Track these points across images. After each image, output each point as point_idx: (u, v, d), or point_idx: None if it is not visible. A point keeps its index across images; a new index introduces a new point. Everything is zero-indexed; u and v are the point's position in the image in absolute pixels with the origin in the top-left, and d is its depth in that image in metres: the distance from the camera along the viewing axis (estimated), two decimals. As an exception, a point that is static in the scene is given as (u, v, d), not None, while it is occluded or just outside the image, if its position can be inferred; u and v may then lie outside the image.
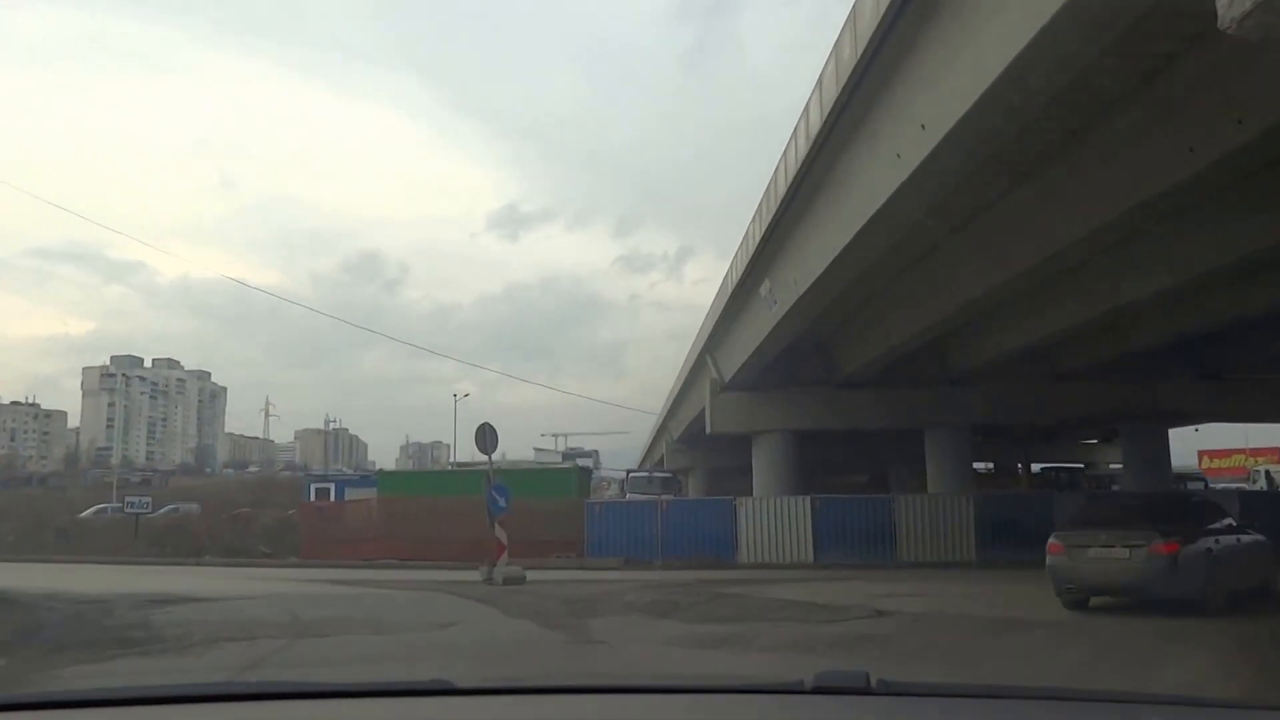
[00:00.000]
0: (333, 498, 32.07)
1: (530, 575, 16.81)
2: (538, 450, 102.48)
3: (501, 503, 15.96)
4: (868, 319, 22.25)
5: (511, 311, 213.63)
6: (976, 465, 46.16)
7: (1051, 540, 12.52)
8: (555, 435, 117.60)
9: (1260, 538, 13.10)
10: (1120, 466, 49.01)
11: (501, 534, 15.98)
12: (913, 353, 22.44)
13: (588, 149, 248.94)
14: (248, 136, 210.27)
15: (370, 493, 28.93)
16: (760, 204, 18.01)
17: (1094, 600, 12.45)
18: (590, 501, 24.57)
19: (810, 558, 22.87)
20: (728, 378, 26.16)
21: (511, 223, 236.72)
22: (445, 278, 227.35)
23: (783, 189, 15.78)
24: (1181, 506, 13.97)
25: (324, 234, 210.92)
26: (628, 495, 33.81)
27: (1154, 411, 25.86)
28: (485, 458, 17.32)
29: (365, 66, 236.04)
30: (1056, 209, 13.90)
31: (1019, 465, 38.44)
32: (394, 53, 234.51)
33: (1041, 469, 40.21)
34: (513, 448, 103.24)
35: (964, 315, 19.12)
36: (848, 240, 14.35)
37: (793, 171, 15.07)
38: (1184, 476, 34.11)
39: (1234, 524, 13.01)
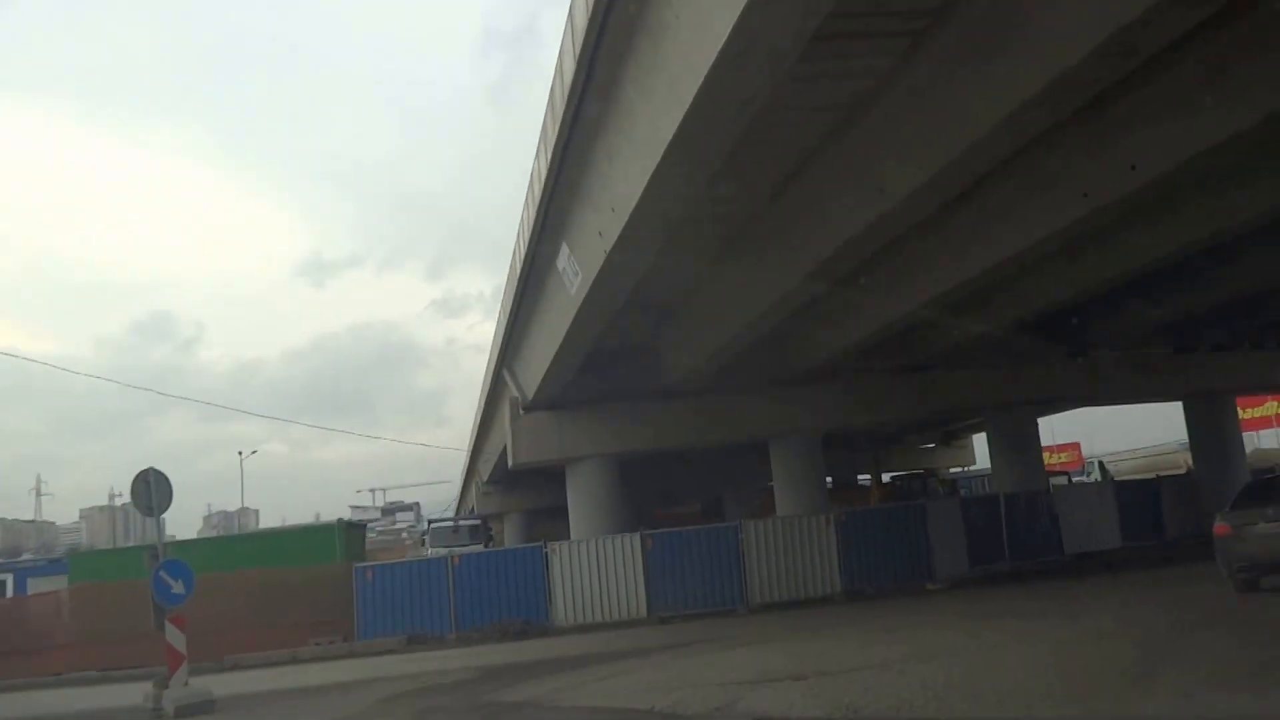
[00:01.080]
0: (10, 591, 25.52)
1: (252, 682, 11.85)
2: (354, 508, 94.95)
3: (176, 589, 10.87)
4: (697, 311, 18.38)
5: (323, 363, 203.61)
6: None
7: (1217, 523, 12.94)
8: (373, 490, 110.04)
9: None
10: (961, 470, 48.72)
11: (176, 637, 10.82)
12: (749, 350, 18.68)
13: (398, 191, 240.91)
14: (9, 191, 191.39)
15: (61, 581, 22.74)
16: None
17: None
18: (360, 567, 19.52)
19: (643, 610, 18.91)
20: (530, 394, 21.74)
21: (317, 270, 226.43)
22: (247, 332, 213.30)
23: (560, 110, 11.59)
24: None
25: (109, 294, 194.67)
26: (429, 550, 29.11)
27: (1022, 398, 23.19)
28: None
29: (150, 115, 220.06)
30: (886, 156, 11.32)
31: (869, 476, 35.55)
32: (181, 99, 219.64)
33: (891, 478, 37.62)
34: (329, 508, 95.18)
35: (804, 295, 15.54)
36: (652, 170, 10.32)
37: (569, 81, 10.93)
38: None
39: None
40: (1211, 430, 25.65)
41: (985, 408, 23.71)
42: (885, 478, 38.32)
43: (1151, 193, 12.12)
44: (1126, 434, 72.76)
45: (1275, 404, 54.43)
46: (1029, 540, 21.99)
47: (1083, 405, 29.08)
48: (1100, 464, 46.13)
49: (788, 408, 21.71)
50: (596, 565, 19.14)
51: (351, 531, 27.61)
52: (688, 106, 8.98)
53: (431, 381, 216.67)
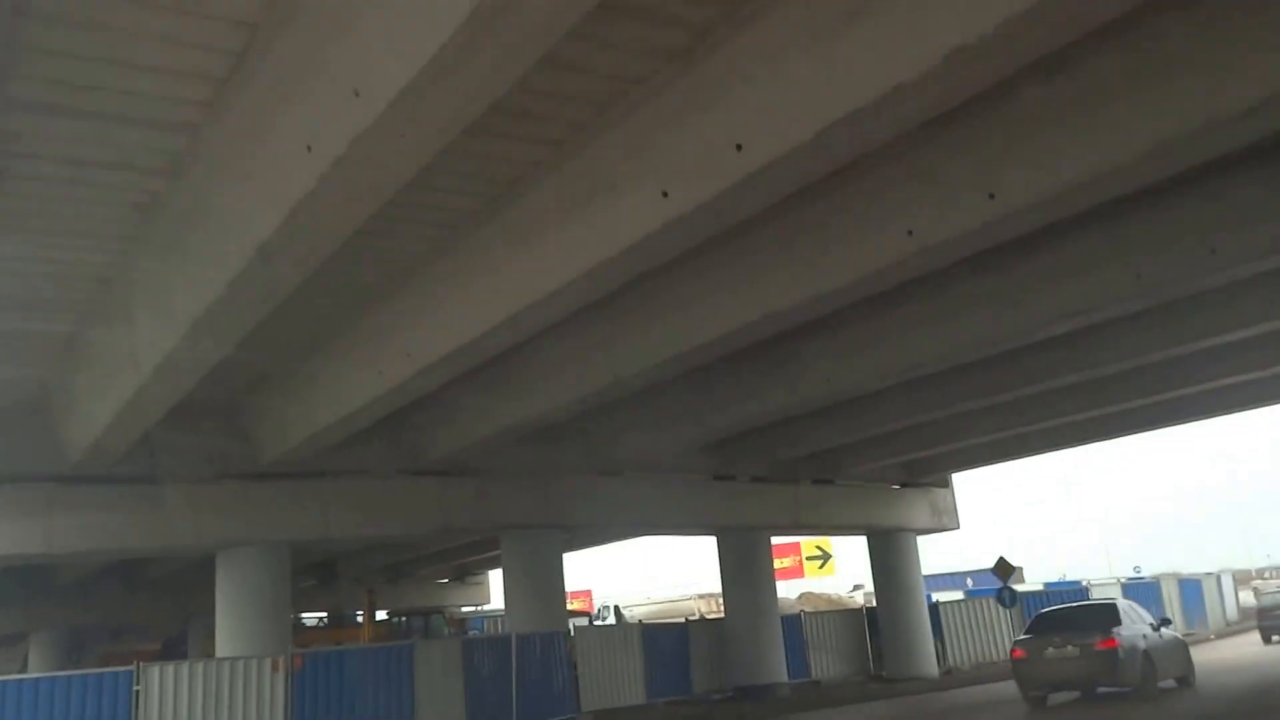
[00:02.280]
0: None
1: None
2: None
3: None
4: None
5: None
6: (307, 616, 38.25)
7: (1014, 647, 16.74)
8: None
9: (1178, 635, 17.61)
10: (475, 608, 45.17)
11: None
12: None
13: None
14: None
15: None
16: None
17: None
18: None
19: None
20: None
21: None
22: None
23: None
24: (1110, 611, 16.63)
25: None
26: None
27: (547, 516, 19.83)
28: None
29: None
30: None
31: (363, 612, 30.35)
32: None
33: (389, 615, 32.70)
34: None
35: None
36: None
37: None
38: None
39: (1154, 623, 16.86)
40: (745, 568, 24.01)
41: (501, 526, 19.97)
42: (383, 614, 33.30)
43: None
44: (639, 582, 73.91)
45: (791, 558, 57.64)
46: (542, 692, 18.34)
47: (614, 532, 26.72)
48: (616, 609, 44.64)
49: (242, 509, 16.47)
50: None
51: None
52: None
53: None
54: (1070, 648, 15.45)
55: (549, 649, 18.94)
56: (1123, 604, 17.67)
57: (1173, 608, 32.43)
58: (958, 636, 27.55)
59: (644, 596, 55.28)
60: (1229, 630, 35.51)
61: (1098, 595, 29.25)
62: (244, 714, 13.54)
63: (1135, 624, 16.52)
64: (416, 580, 39.87)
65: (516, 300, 10.76)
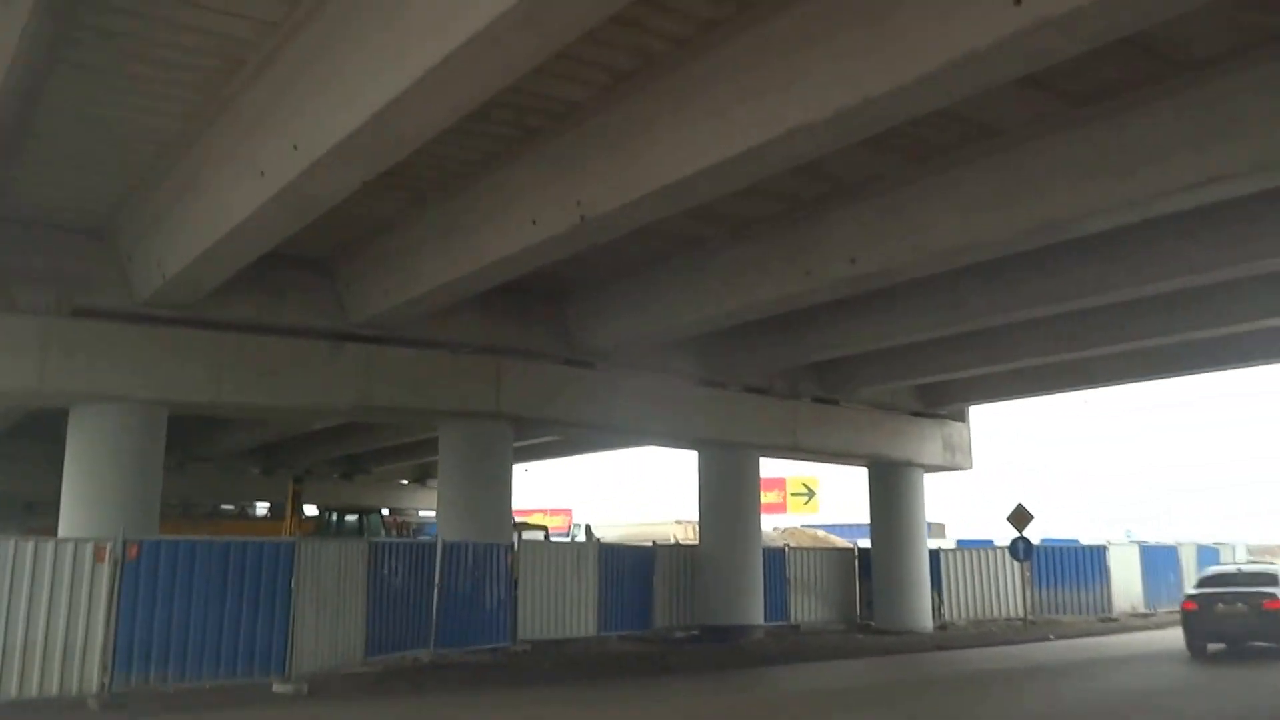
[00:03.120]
0: None
1: None
2: None
3: None
4: None
5: None
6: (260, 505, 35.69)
7: (1186, 599, 18.43)
8: None
9: None
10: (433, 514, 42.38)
11: None
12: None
13: None
14: None
15: None
16: None
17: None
18: None
19: None
20: None
21: None
22: None
23: None
24: (1272, 577, 18.06)
25: None
26: None
27: (494, 405, 16.83)
28: None
29: None
30: None
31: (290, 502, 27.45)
32: None
33: (324, 510, 29.88)
34: None
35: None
36: None
37: None
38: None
39: None
40: (728, 490, 21.14)
41: (437, 412, 16.95)
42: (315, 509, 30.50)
43: None
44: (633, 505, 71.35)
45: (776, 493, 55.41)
46: (470, 615, 15.55)
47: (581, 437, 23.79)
48: (588, 528, 41.97)
49: (105, 354, 13.43)
50: None
51: None
52: None
53: None
54: (1240, 605, 17.33)
55: (484, 563, 16.06)
56: (1276, 571, 19.08)
57: (1188, 574, 29.81)
58: (958, 589, 24.87)
59: (627, 519, 52.92)
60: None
61: (1115, 554, 26.62)
62: (53, 611, 10.57)
63: None
64: (374, 478, 37.19)
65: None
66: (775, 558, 22.48)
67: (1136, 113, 9.58)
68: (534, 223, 11.65)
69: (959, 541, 34.08)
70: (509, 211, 11.93)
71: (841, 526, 44.87)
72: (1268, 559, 46.63)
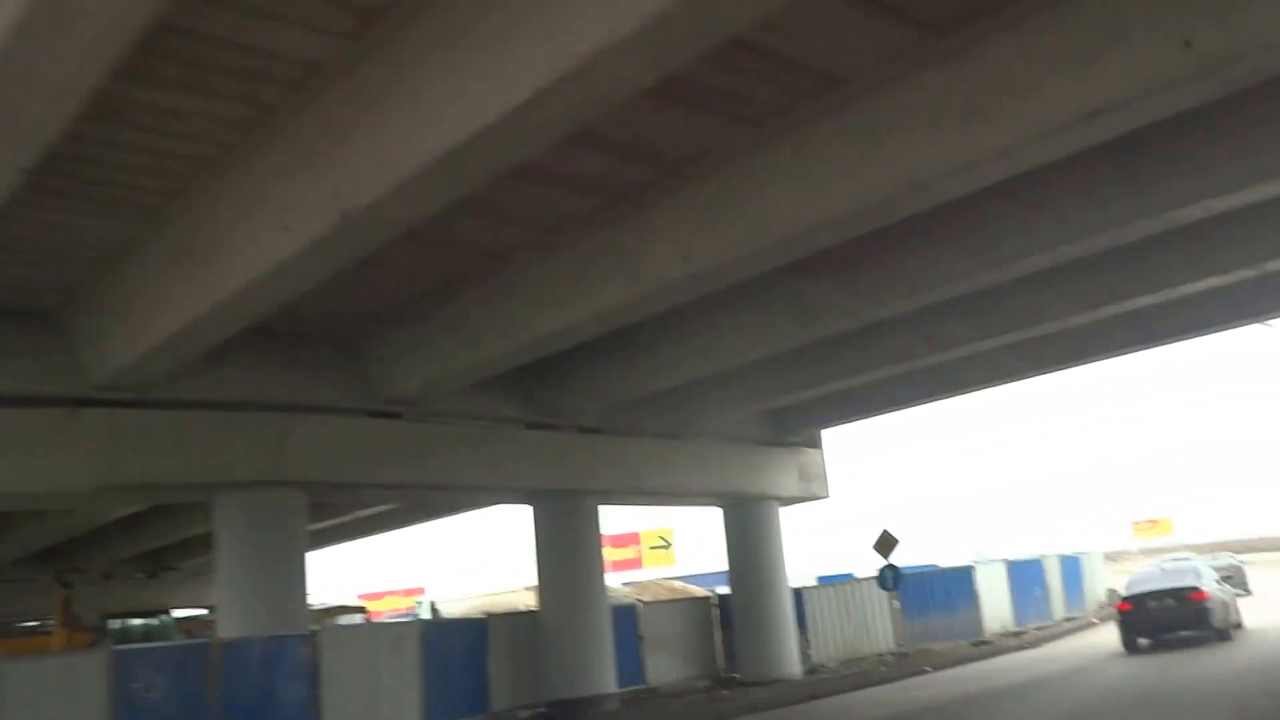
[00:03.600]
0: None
1: None
2: None
3: None
4: None
5: None
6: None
7: (1120, 601, 20.83)
8: None
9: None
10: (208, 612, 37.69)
11: None
12: None
13: None
14: None
15: None
16: None
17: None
18: None
19: None
20: None
21: None
22: None
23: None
24: (1194, 573, 20.54)
25: None
26: None
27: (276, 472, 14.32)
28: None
29: None
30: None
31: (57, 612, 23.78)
32: None
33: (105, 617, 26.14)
34: None
35: None
36: None
37: None
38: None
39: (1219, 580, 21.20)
40: (566, 545, 18.96)
41: (203, 484, 14.27)
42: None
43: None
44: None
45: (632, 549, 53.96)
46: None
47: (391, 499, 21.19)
48: (432, 605, 38.93)
49: None
50: None
51: None
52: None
53: None
54: (1170, 600, 19.58)
55: (274, 660, 13.43)
56: (1198, 565, 21.89)
57: (1054, 587, 29.26)
58: (825, 628, 23.32)
59: (480, 590, 49.79)
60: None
61: (982, 573, 25.65)
62: None
63: (1211, 582, 20.45)
64: (184, 575, 33.05)
65: None
66: (625, 615, 20.38)
67: (1004, 38, 8.09)
68: (285, 229, 9.39)
69: (819, 579, 32.82)
70: (253, 216, 9.63)
71: (702, 576, 43.27)
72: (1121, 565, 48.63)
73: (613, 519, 58.93)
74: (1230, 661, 16.80)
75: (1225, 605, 20.53)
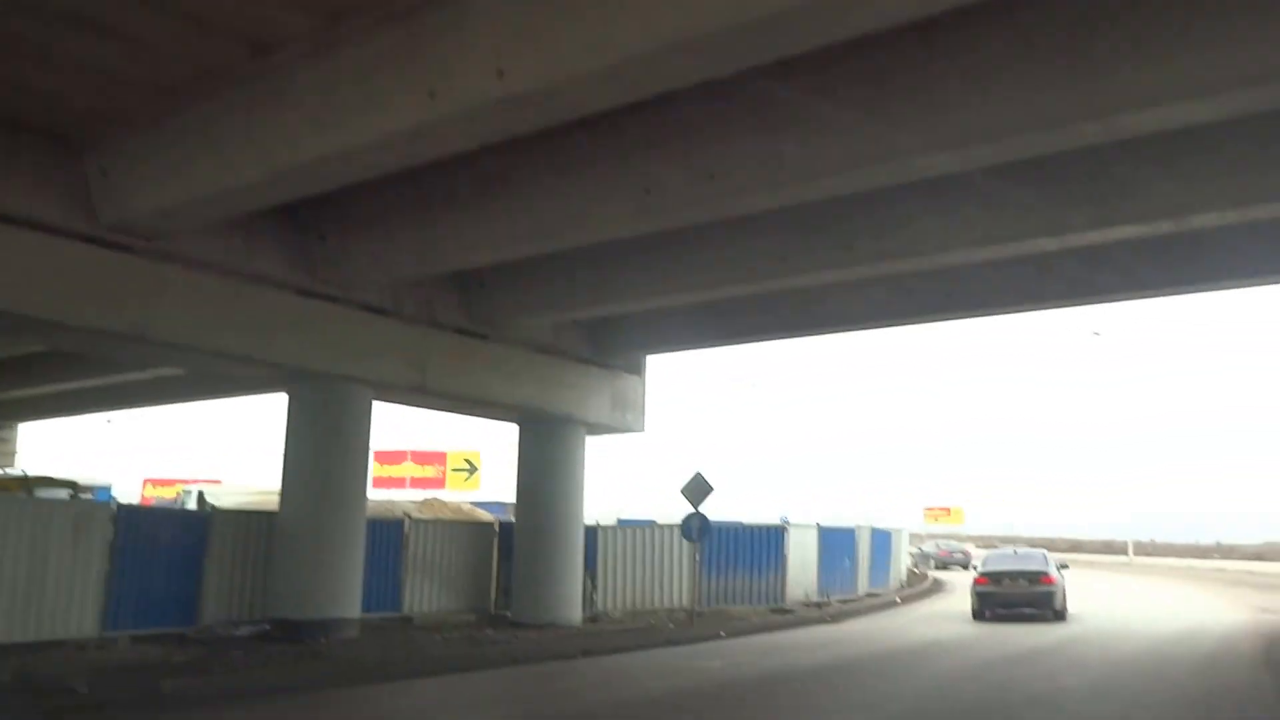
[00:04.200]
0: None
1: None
2: None
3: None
4: None
5: None
6: None
7: (979, 576, 23.57)
8: None
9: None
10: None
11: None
12: None
13: None
14: None
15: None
16: None
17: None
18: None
19: None
20: None
21: None
22: None
23: None
24: (1042, 559, 24.04)
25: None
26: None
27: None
28: None
29: None
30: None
31: None
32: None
33: None
34: None
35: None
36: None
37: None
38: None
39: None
40: (324, 435, 16.12)
41: None
42: None
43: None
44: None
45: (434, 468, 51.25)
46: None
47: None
48: (200, 494, 35.15)
49: None
50: None
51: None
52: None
53: None
54: (1022, 581, 22.53)
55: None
56: (1045, 553, 25.06)
57: (862, 560, 28.14)
58: (616, 574, 21.29)
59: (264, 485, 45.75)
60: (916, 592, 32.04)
61: (794, 536, 24.03)
62: None
63: (1054, 569, 23.27)
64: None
65: None
66: (388, 532, 17.83)
67: None
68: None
69: (620, 521, 30.82)
70: None
71: (506, 504, 40.94)
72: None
73: (418, 434, 55.75)
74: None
75: (1064, 590, 23.09)
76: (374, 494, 45.61)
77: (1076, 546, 66.17)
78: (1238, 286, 15.26)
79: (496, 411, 19.77)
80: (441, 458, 51.88)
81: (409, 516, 19.15)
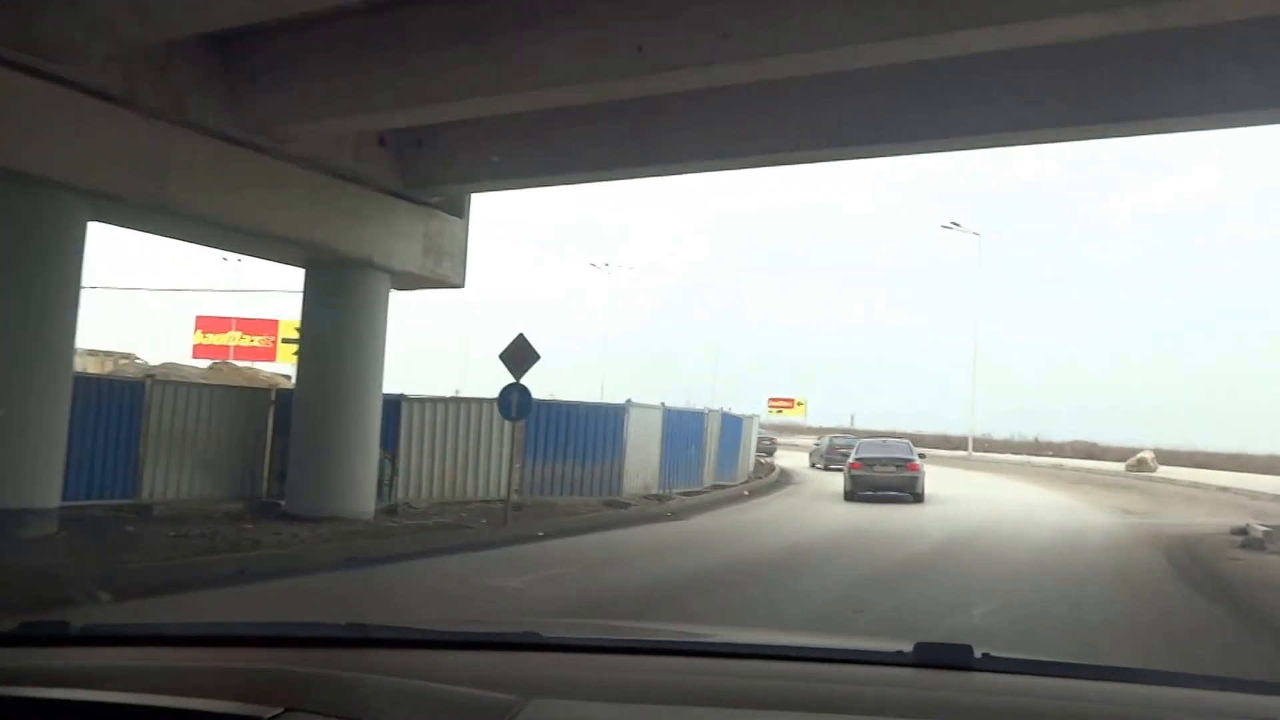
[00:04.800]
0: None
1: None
2: None
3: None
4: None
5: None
6: None
7: (854, 461, 25.80)
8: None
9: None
10: None
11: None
12: None
13: None
14: None
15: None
16: None
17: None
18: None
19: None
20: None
21: None
22: None
23: None
24: (908, 447, 26.97)
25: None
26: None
27: None
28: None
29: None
30: None
31: None
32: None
33: None
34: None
35: None
36: None
37: None
38: None
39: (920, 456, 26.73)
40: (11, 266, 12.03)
41: None
42: None
43: None
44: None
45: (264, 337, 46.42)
46: None
47: None
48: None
49: None
50: None
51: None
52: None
53: None
54: (892, 467, 25.45)
55: None
56: (909, 443, 28.18)
57: (710, 449, 25.58)
58: (422, 456, 17.94)
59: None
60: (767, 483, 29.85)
61: (635, 417, 21.04)
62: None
63: (917, 457, 25.96)
64: None
65: None
66: (120, 396, 13.96)
67: None
68: None
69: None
70: None
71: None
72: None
73: (246, 299, 50.11)
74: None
75: (924, 477, 25.52)
76: (194, 363, 40.62)
77: (916, 441, 66.19)
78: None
79: (272, 248, 15.80)
80: (273, 326, 46.66)
81: (151, 378, 15.27)
